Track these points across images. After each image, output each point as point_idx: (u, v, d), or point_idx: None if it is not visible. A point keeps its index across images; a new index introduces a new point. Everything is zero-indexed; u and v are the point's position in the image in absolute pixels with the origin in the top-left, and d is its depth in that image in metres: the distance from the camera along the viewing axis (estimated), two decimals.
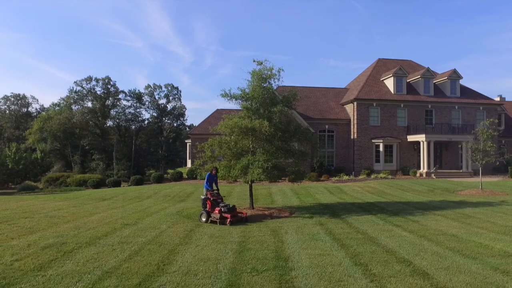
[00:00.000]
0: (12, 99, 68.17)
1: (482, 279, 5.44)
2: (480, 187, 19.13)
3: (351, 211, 12.82)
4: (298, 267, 6.07)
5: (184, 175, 30.94)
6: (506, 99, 41.00)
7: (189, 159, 34.69)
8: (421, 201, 15.49)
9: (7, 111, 68.07)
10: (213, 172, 11.59)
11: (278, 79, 12.93)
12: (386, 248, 7.34)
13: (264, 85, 12.77)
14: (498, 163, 21.71)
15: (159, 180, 28.87)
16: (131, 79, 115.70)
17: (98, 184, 27.64)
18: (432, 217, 11.36)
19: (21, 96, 68.63)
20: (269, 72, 12.75)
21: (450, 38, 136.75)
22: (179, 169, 44.54)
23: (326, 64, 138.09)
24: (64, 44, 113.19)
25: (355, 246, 7.50)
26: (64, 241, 8.04)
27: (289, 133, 12.85)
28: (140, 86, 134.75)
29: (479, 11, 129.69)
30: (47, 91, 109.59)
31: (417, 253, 6.95)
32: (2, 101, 68.00)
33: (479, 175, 20.20)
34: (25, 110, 69.51)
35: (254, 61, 13.11)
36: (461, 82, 34.14)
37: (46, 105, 68.50)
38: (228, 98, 12.85)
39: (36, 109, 70.39)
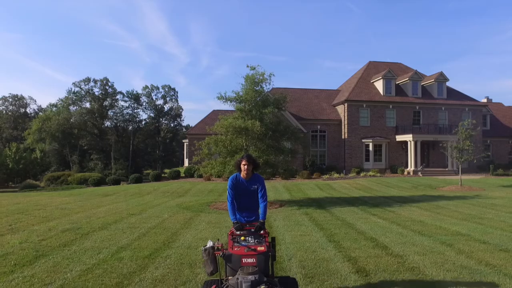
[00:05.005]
0: (10, 99, 68.91)
1: (429, 249, 6.67)
2: (460, 183, 20.46)
3: (336, 204, 14.05)
4: (281, 243, 7.26)
5: (182, 174, 32.10)
6: (499, 101, 42.77)
7: (186, 158, 35.82)
8: (403, 196, 16.75)
9: (5, 112, 68.78)
10: (242, 168, 4.46)
11: (269, 83, 14.27)
12: (359, 231, 8.55)
13: (257, 88, 14.03)
14: (475, 161, 23.09)
15: (157, 178, 30.02)
16: (128, 79, 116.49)
17: (98, 182, 28.68)
18: (408, 208, 12.61)
19: (19, 97, 69.39)
20: (261, 77, 14.02)
21: (445, 39, 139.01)
22: (176, 169, 45.62)
23: (322, 65, 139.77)
24: (61, 45, 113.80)
25: (332, 229, 8.71)
26: (79, 227, 9.19)
27: (279, 133, 14.09)
28: (136, 86, 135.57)
29: (473, 13, 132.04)
30: (44, 91, 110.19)
31: (384, 233, 8.18)
32: (0, 101, 68.71)
33: (463, 173, 21.52)
34: (23, 110, 70.28)
35: (247, 66, 14.39)
36: (453, 84, 35.91)
37: (44, 106, 69.40)
38: (224, 100, 14.14)
39: (34, 109, 71.25)
